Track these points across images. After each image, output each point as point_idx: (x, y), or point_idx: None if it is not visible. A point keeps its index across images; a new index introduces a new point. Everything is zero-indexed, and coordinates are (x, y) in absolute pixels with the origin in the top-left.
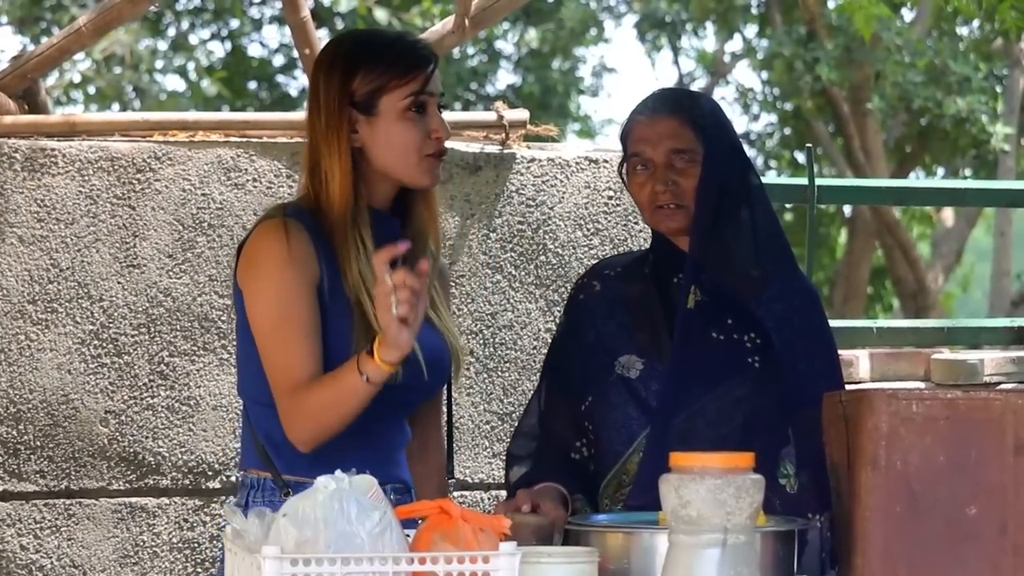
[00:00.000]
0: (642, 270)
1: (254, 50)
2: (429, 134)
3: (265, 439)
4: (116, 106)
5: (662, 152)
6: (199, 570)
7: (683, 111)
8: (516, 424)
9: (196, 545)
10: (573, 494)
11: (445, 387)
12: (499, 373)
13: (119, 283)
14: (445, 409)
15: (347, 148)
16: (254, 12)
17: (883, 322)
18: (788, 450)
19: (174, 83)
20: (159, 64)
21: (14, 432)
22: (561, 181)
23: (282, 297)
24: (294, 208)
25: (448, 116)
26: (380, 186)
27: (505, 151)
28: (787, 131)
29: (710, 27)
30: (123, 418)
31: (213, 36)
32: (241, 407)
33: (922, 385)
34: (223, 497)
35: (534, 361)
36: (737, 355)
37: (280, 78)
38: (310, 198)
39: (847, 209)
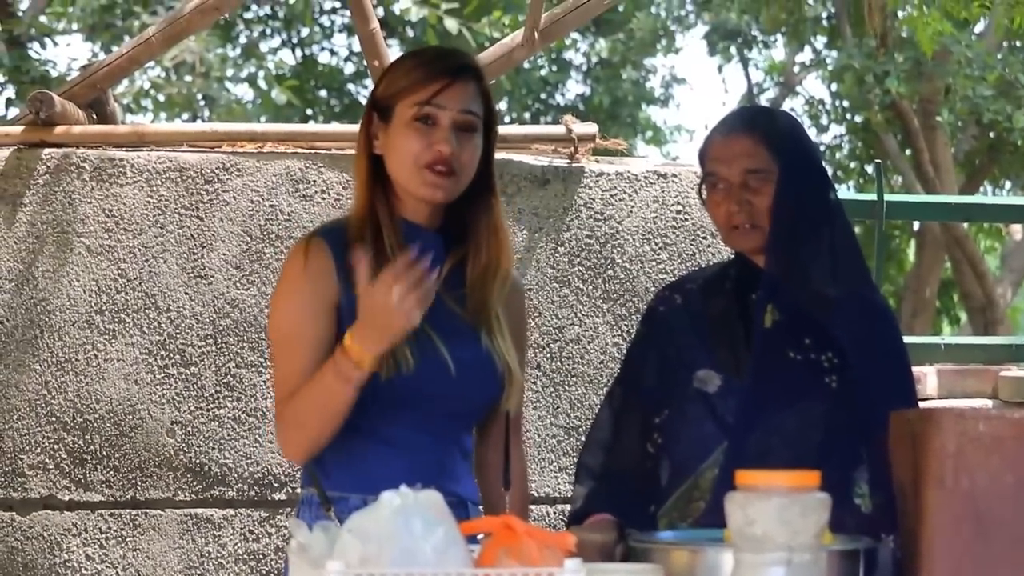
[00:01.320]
0: (723, 285)
1: (324, 58)
2: (431, 145)
3: None
4: (185, 115)
5: (736, 171)
6: None
7: (758, 130)
8: (587, 433)
9: (261, 557)
10: (628, 525)
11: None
12: (565, 387)
13: (186, 294)
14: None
15: (367, 153)
16: (324, 20)
17: (951, 339)
18: (863, 470)
19: (244, 91)
20: (229, 72)
21: (81, 442)
22: (629, 195)
23: (291, 315)
24: (329, 226)
25: (516, 129)
26: (408, 198)
27: (573, 165)
28: (856, 144)
29: (780, 38)
30: (189, 429)
31: (283, 44)
32: None
33: (989, 403)
34: (288, 509)
35: (601, 375)
36: (814, 375)
37: (350, 87)
38: (349, 214)
39: (916, 222)
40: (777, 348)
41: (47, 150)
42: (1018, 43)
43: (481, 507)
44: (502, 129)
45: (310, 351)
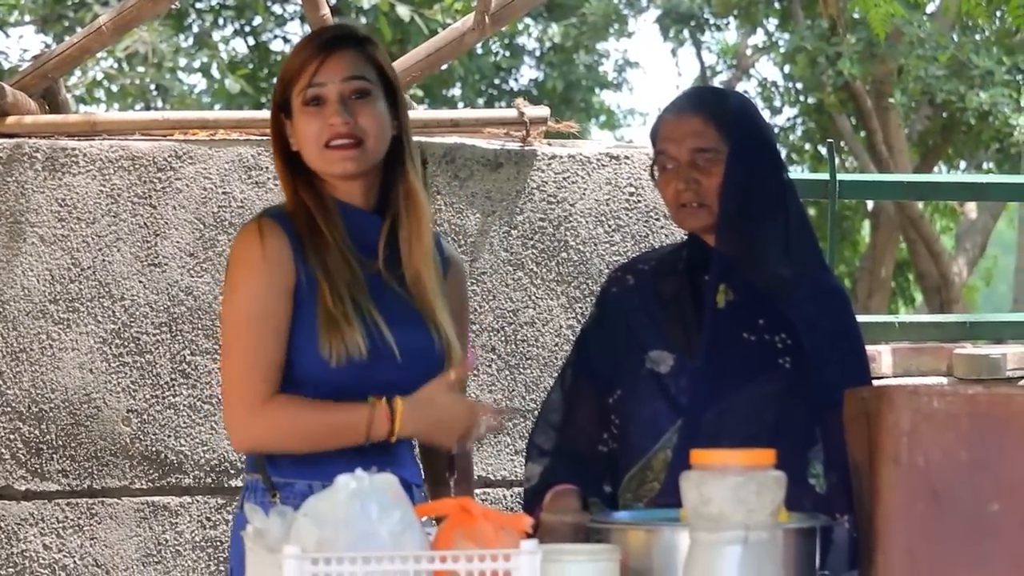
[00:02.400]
0: (676, 266)
1: (277, 46)
2: (324, 123)
3: None
4: (139, 104)
5: (685, 150)
6: (222, 568)
7: (707, 109)
8: (537, 415)
9: (219, 543)
10: (589, 495)
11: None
12: (520, 370)
13: (140, 282)
14: None
15: (282, 153)
16: (276, 8)
17: (905, 317)
18: (817, 450)
19: (196, 81)
20: (182, 62)
21: (36, 431)
22: (582, 178)
23: (252, 303)
24: (276, 210)
25: (468, 113)
26: (335, 181)
27: (526, 148)
28: (810, 125)
29: (732, 21)
30: (145, 417)
31: (236, 33)
32: None
33: (944, 381)
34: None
35: (555, 357)
36: (768, 355)
37: None
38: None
39: (870, 203)
40: (730, 328)
41: None
42: (969, 23)
43: (425, 491)
44: (455, 112)
45: (273, 332)
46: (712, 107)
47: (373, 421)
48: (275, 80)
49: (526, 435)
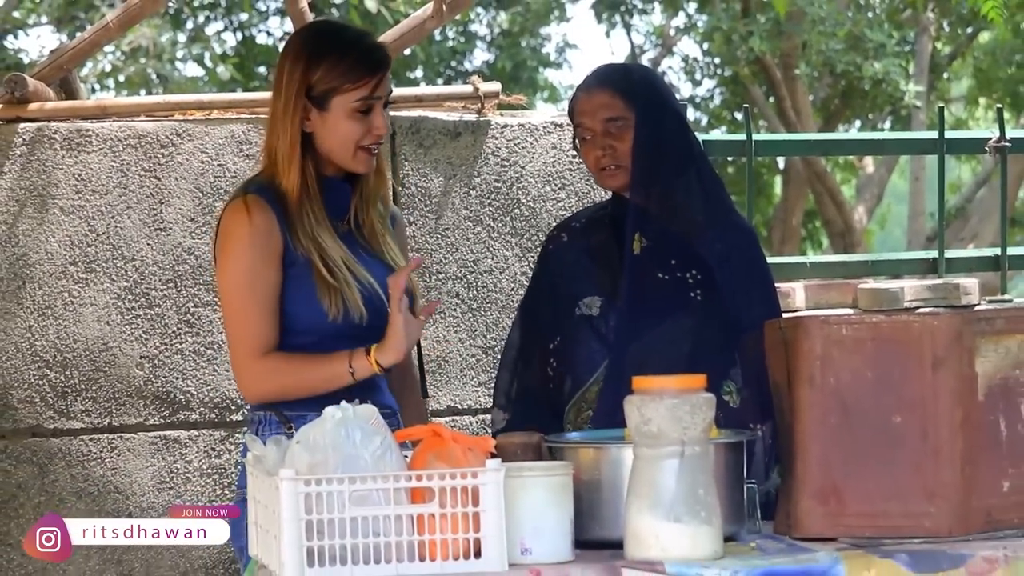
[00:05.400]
0: (603, 220)
1: (261, 39)
2: (370, 130)
3: None
4: (142, 92)
5: (598, 121)
6: (226, 492)
7: (613, 84)
8: (500, 355)
9: (223, 471)
10: (547, 431)
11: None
12: (482, 312)
13: (148, 244)
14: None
15: (298, 132)
16: (261, 6)
17: (815, 257)
18: (735, 371)
19: (193, 70)
20: (179, 54)
21: (61, 377)
22: (531, 144)
23: (246, 274)
24: (257, 184)
25: (430, 90)
26: (329, 162)
27: (481, 119)
28: (727, 95)
29: (657, 5)
30: (156, 362)
31: (225, 28)
32: None
33: (851, 312)
34: (245, 428)
35: (512, 301)
36: (681, 291)
37: None
38: (269, 172)
39: (781, 161)
40: (646, 270)
41: (22, 125)
42: (863, 2)
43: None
44: (418, 90)
45: (264, 298)
46: (617, 81)
47: (354, 365)
48: (260, 67)
49: (488, 368)
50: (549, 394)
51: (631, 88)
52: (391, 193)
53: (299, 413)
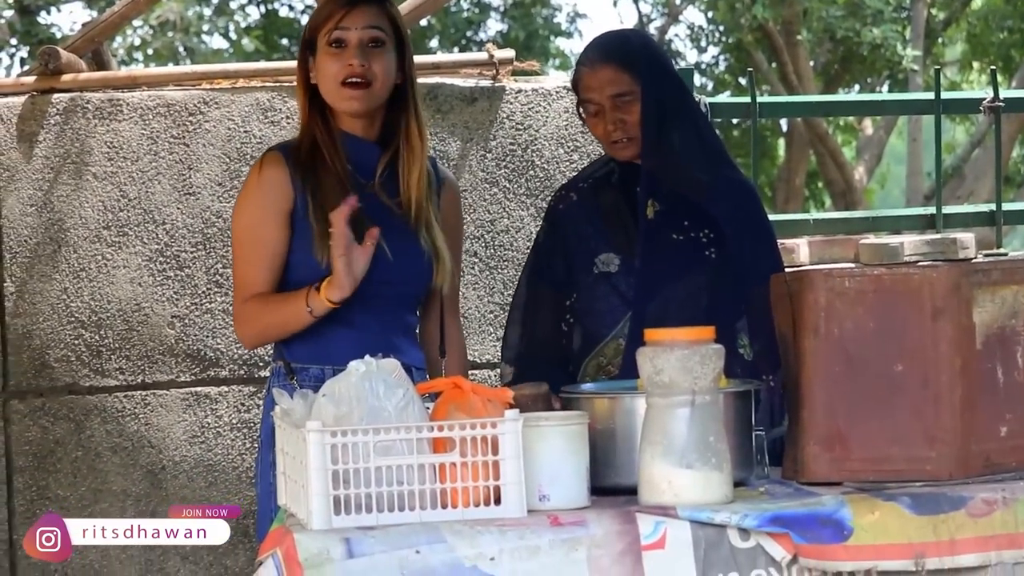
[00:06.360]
0: (610, 179)
1: (284, 12)
2: (344, 64)
3: None
4: (170, 63)
5: (606, 97)
6: (255, 445)
7: (617, 58)
8: (508, 309)
9: (252, 425)
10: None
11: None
12: (499, 270)
13: (178, 208)
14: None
15: (305, 84)
16: None
17: (818, 215)
18: (743, 324)
19: (218, 42)
20: (205, 27)
21: (96, 337)
22: (544, 108)
23: (245, 222)
24: (286, 144)
25: (447, 57)
26: (342, 115)
27: (496, 85)
28: (731, 60)
29: None
30: (187, 321)
31: (249, 1)
32: None
33: (853, 265)
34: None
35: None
36: (697, 250)
37: None
38: (301, 132)
39: (784, 124)
40: (661, 233)
41: (56, 95)
42: None
43: (426, 372)
44: (436, 57)
45: (264, 253)
46: (620, 55)
47: (310, 303)
48: (283, 39)
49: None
50: (560, 348)
51: (634, 61)
52: (431, 159)
53: (302, 365)
